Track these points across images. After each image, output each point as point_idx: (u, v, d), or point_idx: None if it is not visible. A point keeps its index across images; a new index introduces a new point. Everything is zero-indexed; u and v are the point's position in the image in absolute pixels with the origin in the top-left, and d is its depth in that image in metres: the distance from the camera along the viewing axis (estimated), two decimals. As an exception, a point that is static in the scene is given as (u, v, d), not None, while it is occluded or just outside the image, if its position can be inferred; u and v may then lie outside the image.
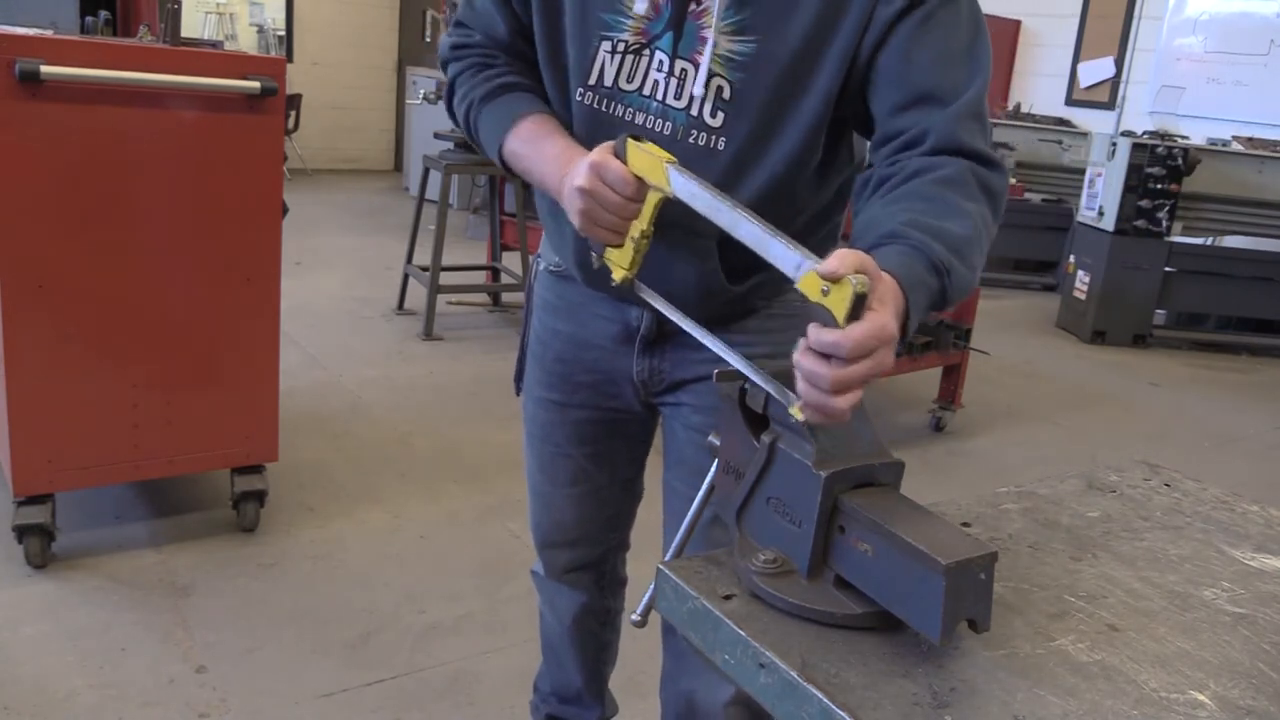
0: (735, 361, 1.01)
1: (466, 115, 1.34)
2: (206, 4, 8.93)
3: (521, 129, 1.28)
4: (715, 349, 1.08)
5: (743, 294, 1.31)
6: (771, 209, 1.22)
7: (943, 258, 1.01)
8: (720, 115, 1.19)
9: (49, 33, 2.50)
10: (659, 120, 1.22)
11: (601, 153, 1.11)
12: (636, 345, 1.39)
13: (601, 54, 1.23)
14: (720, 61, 1.17)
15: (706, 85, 1.19)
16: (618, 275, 1.16)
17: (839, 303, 0.82)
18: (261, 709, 2.09)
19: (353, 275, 5.79)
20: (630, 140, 1.10)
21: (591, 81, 1.24)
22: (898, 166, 1.11)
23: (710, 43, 1.16)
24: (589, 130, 1.25)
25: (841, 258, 0.84)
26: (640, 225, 1.11)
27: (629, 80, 1.22)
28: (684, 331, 1.27)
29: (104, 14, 2.86)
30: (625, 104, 1.23)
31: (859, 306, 0.83)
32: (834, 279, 0.83)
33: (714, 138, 1.20)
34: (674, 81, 1.20)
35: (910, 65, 1.13)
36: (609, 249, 1.16)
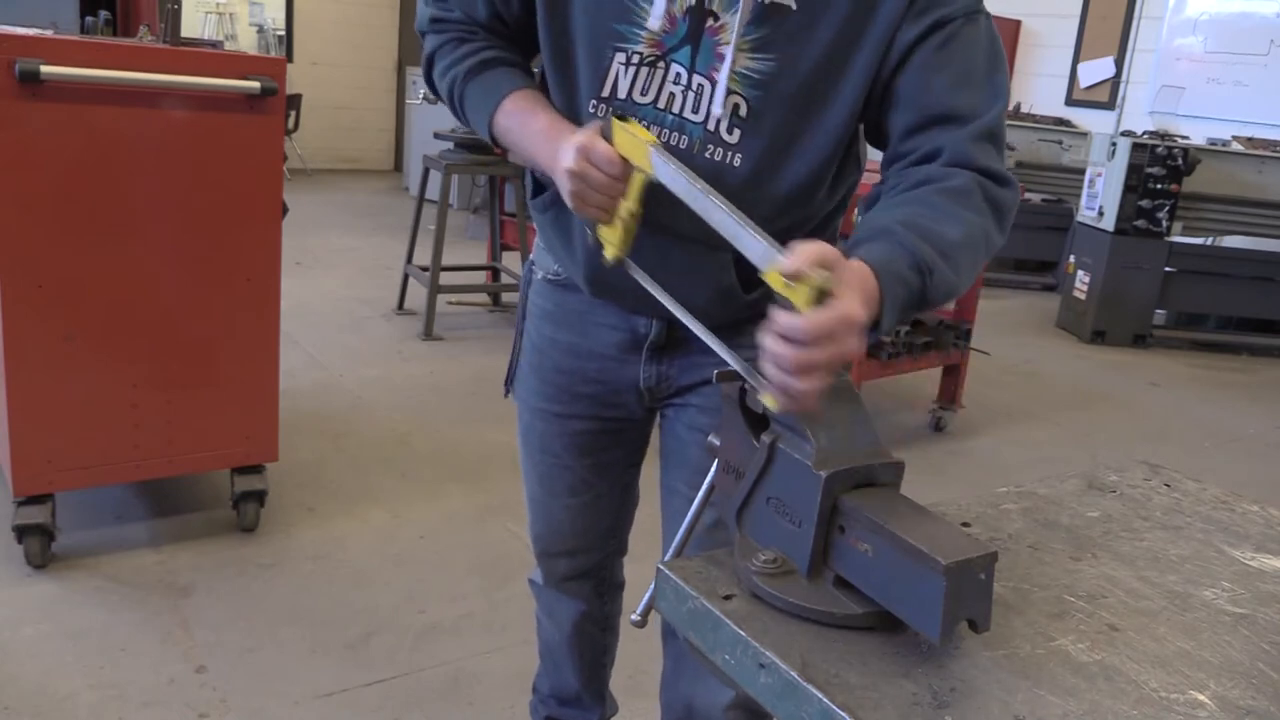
0: (716, 346, 1.08)
1: (450, 91, 1.34)
2: (206, 4, 8.94)
3: (508, 104, 1.28)
4: (695, 329, 1.14)
5: (754, 300, 1.31)
6: (786, 221, 1.23)
7: (927, 258, 1.02)
8: (737, 132, 1.19)
9: (49, 33, 2.50)
10: (675, 134, 1.21)
11: (588, 134, 1.13)
12: (644, 353, 1.39)
13: (616, 65, 1.21)
14: (737, 79, 1.17)
15: (724, 103, 1.19)
16: (609, 253, 1.18)
17: (801, 296, 0.87)
18: (261, 709, 2.09)
19: (353, 275, 5.79)
20: (616, 121, 1.12)
21: (605, 93, 1.23)
22: (906, 175, 1.12)
23: (728, 60, 1.16)
24: None
25: (802, 252, 0.87)
26: (628, 205, 1.14)
27: (643, 93, 1.21)
28: (693, 338, 1.27)
29: (104, 14, 2.86)
30: (639, 117, 1.21)
31: (821, 299, 0.87)
32: (796, 277, 0.86)
33: (730, 154, 1.20)
34: (691, 95, 1.20)
35: (929, 87, 1.13)
36: (601, 228, 1.19)
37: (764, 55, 1.16)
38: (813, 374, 0.86)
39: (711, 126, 1.20)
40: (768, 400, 0.90)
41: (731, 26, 1.16)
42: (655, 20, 1.18)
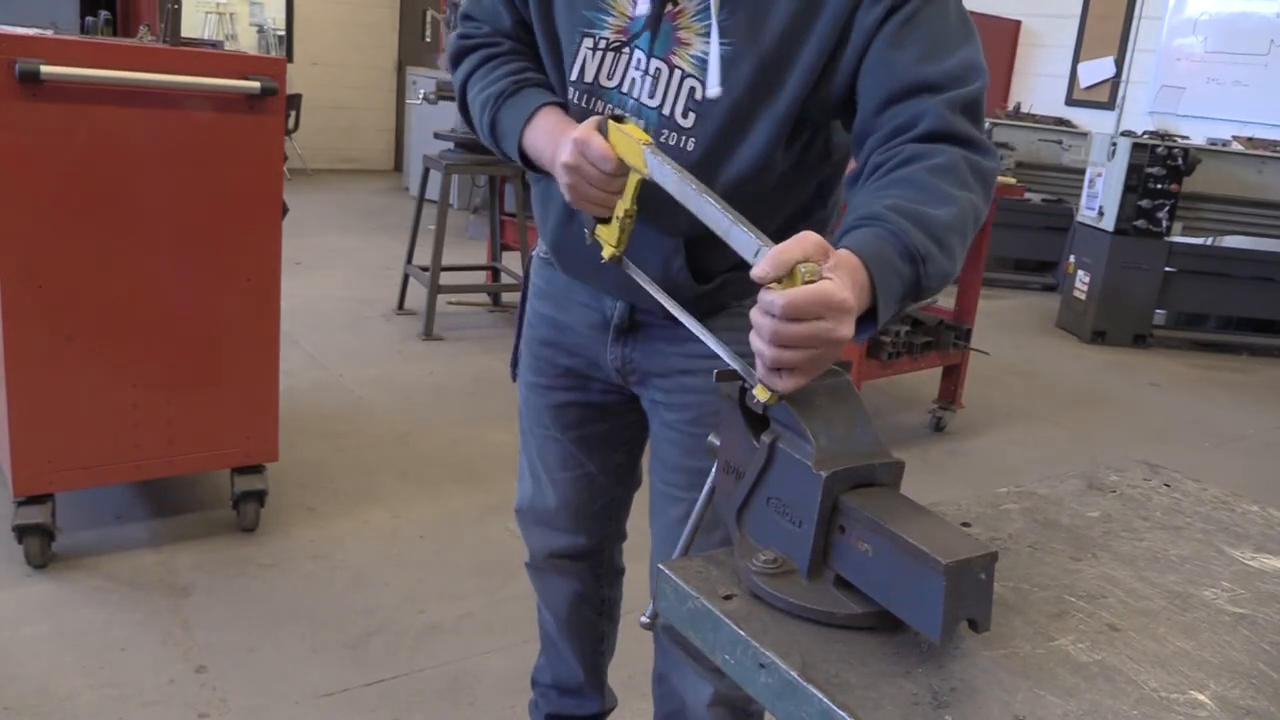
0: (698, 330, 1.09)
1: (483, 113, 1.35)
2: (206, 4, 8.93)
3: (536, 117, 1.30)
4: (691, 326, 1.14)
5: (711, 291, 1.32)
6: (742, 208, 1.23)
7: (919, 245, 1.00)
8: (691, 116, 1.21)
9: (49, 33, 2.50)
10: (634, 118, 1.24)
11: (586, 129, 1.15)
12: (610, 333, 1.42)
13: (584, 50, 1.26)
14: (694, 62, 1.19)
15: (680, 85, 1.20)
16: (606, 253, 1.20)
17: (787, 286, 0.88)
18: (261, 709, 2.09)
19: (353, 275, 5.79)
20: (612, 122, 1.14)
21: (574, 77, 1.27)
22: (891, 153, 1.11)
23: (715, 40, 1.17)
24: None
25: (785, 248, 0.87)
26: (624, 204, 1.16)
27: (609, 77, 1.25)
28: (655, 323, 1.29)
29: (104, 14, 2.86)
30: (606, 100, 1.26)
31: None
32: (777, 276, 0.87)
33: (684, 138, 1.22)
34: (649, 80, 1.22)
35: (898, 62, 1.13)
36: (599, 226, 1.20)
37: (721, 40, 1.17)
38: (791, 350, 0.87)
39: (667, 111, 1.22)
40: (759, 393, 0.90)
41: (690, 11, 1.18)
42: (641, 6, 1.20)
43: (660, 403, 1.42)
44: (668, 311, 1.19)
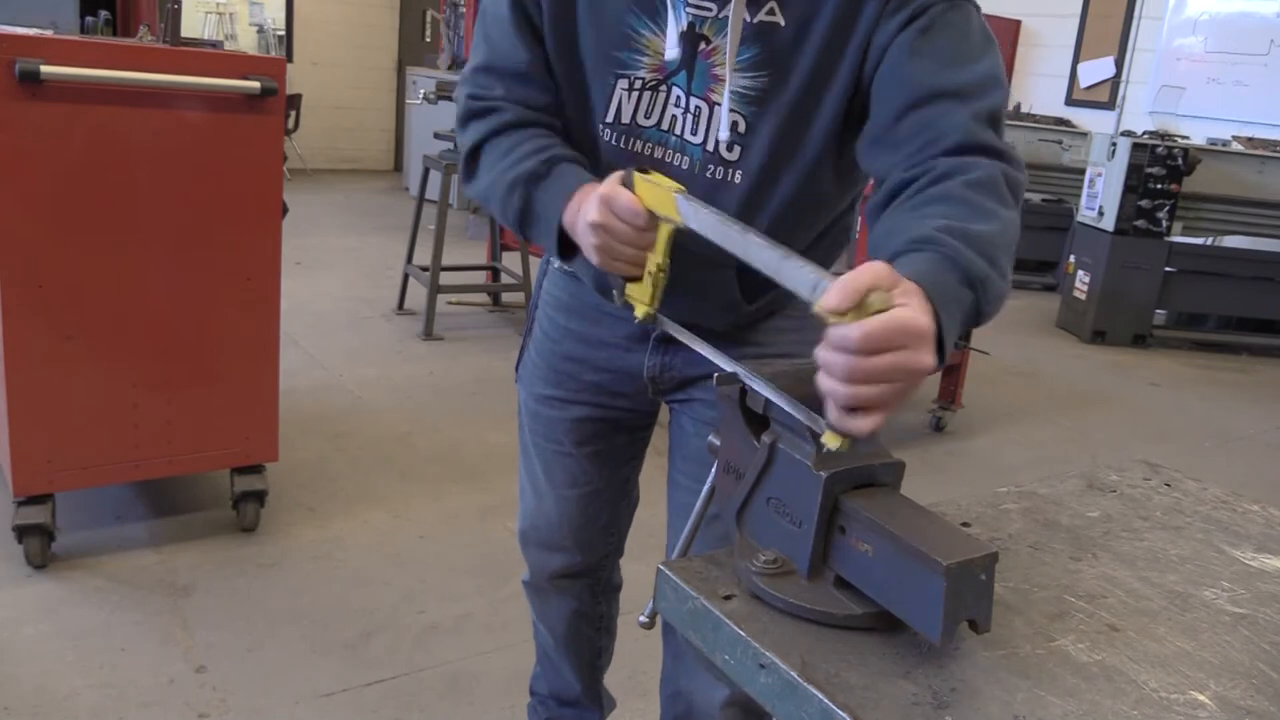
0: (759, 386, 0.93)
1: (508, 194, 1.24)
2: (206, 4, 8.93)
3: (569, 202, 1.20)
4: (736, 372, 0.97)
5: (758, 309, 1.33)
6: (789, 232, 1.24)
7: (977, 269, 0.94)
8: (736, 149, 1.21)
9: (49, 33, 2.50)
10: (677, 154, 1.23)
11: (610, 185, 1.08)
12: (650, 343, 1.41)
13: (619, 91, 1.24)
14: (734, 97, 1.19)
15: (727, 124, 1.20)
16: (639, 312, 1.12)
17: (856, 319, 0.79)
18: (261, 709, 2.09)
19: (353, 275, 5.79)
20: (637, 174, 1.07)
21: (610, 119, 1.25)
22: (923, 168, 1.06)
23: (728, 83, 1.17)
24: (613, 165, 1.20)
25: (851, 282, 0.79)
26: (656, 259, 1.08)
27: (647, 116, 1.24)
28: (698, 334, 1.27)
29: (104, 14, 2.87)
30: (645, 139, 1.24)
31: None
32: (849, 307, 0.78)
33: (730, 171, 1.22)
34: (690, 118, 1.22)
35: (917, 69, 1.11)
36: (629, 286, 1.13)
37: (757, 73, 1.18)
38: (871, 386, 0.79)
39: (711, 147, 1.21)
40: (829, 440, 0.82)
41: (724, 49, 1.17)
42: (670, 50, 1.19)
43: (699, 399, 1.41)
44: (710, 323, 1.20)
